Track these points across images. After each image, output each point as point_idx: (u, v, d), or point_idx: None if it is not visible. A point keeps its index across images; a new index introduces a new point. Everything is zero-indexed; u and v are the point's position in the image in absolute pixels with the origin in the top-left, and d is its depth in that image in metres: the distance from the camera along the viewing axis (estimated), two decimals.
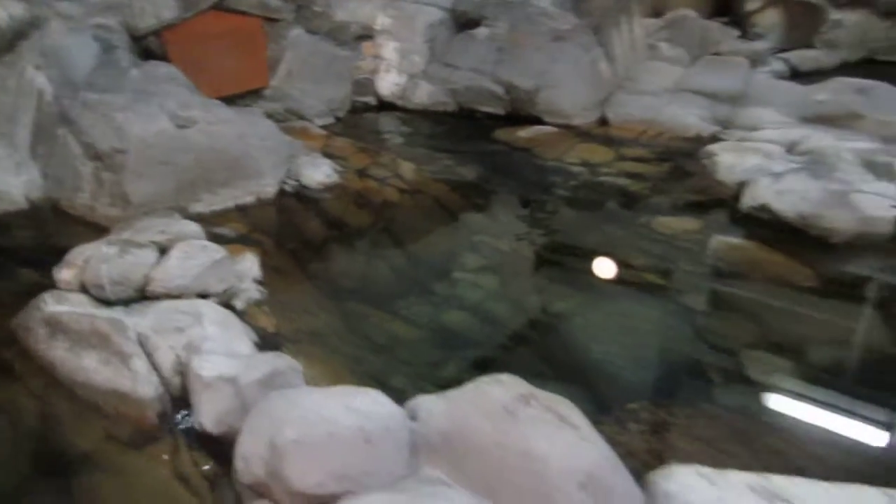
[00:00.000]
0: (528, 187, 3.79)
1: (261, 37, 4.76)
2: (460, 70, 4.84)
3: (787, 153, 3.58)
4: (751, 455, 1.95)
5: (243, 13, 4.64)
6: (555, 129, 4.47)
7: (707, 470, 1.68)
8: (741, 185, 3.35)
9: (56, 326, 2.31)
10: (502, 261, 3.16)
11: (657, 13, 5.70)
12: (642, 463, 1.89)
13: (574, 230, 3.39)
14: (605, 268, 3.06)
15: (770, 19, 5.82)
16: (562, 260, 3.15)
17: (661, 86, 4.57)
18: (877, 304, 2.77)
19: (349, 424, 1.71)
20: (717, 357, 2.44)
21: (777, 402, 2.24)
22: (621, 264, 3.05)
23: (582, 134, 4.42)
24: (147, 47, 4.35)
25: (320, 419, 1.71)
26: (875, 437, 2.11)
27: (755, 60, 5.15)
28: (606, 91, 4.64)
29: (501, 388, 1.70)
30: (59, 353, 2.25)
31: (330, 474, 1.66)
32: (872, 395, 2.26)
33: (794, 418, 2.17)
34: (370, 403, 1.78)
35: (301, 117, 4.56)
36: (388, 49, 5.04)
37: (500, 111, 4.72)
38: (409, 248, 3.30)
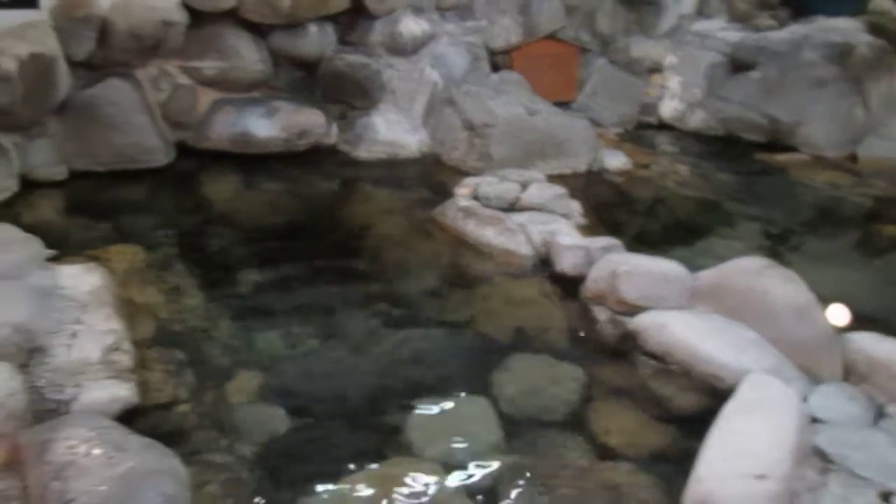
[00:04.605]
0: (779, 193, 4.81)
1: (575, 61, 6.24)
2: (732, 103, 5.90)
3: None
4: None
5: (566, 42, 6.17)
6: (808, 158, 5.39)
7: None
8: None
9: (467, 212, 3.86)
10: (752, 233, 4.22)
11: None
12: None
13: (812, 224, 4.37)
14: (832, 247, 4.03)
15: None
16: (802, 238, 4.14)
17: None
18: None
19: (657, 270, 2.99)
20: None
21: None
22: (850, 247, 4.01)
23: (832, 165, 5.30)
24: (494, 61, 5.98)
25: (643, 263, 3.01)
26: None
27: None
28: (859, 133, 5.46)
29: (752, 262, 2.89)
30: (469, 227, 3.79)
31: (644, 294, 2.93)
32: None
33: None
34: (670, 264, 3.04)
35: (599, 125, 5.90)
36: (673, 81, 6.26)
37: (761, 139, 5.71)
38: (678, 216, 4.52)
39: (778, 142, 5.60)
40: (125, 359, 2.39)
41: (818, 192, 4.81)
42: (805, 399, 2.49)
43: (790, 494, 1.92)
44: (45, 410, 2.07)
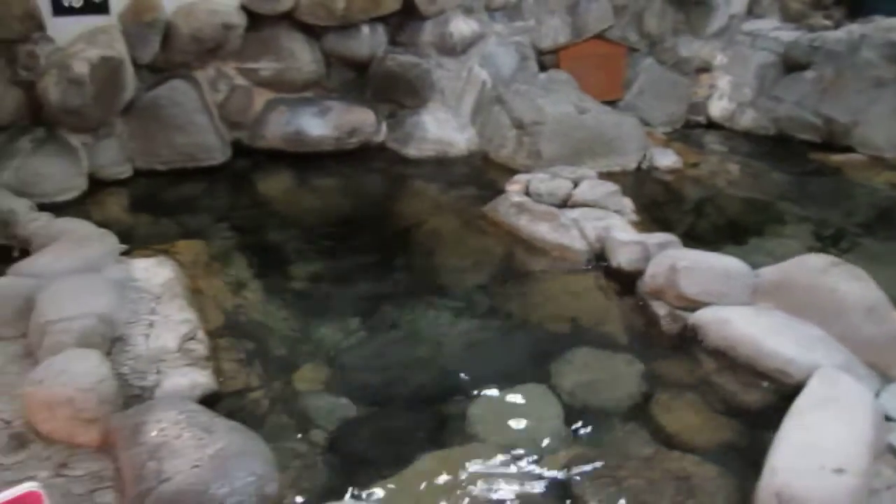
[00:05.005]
0: (834, 193, 4.73)
1: (623, 61, 6.22)
2: (784, 103, 5.82)
3: None
4: None
5: (613, 42, 6.15)
6: (865, 158, 5.28)
7: None
8: None
9: (521, 207, 3.88)
10: (806, 233, 4.14)
11: None
12: None
13: (869, 225, 4.28)
14: (891, 248, 3.96)
15: None
16: (859, 238, 4.07)
17: None
18: None
19: (718, 266, 2.98)
20: None
21: None
22: None
23: (891, 165, 5.19)
24: (541, 61, 5.99)
25: (703, 259, 3.00)
26: None
27: None
28: None
29: (818, 259, 2.86)
30: (522, 222, 3.81)
31: (704, 289, 2.92)
32: None
33: None
34: (731, 260, 3.02)
35: (646, 124, 5.87)
36: (723, 81, 6.20)
37: (815, 139, 5.61)
38: (729, 214, 4.48)
39: (833, 142, 5.50)
40: (200, 347, 2.48)
41: (876, 193, 4.72)
42: (877, 396, 2.46)
43: (868, 491, 1.91)
44: (131, 396, 2.16)
